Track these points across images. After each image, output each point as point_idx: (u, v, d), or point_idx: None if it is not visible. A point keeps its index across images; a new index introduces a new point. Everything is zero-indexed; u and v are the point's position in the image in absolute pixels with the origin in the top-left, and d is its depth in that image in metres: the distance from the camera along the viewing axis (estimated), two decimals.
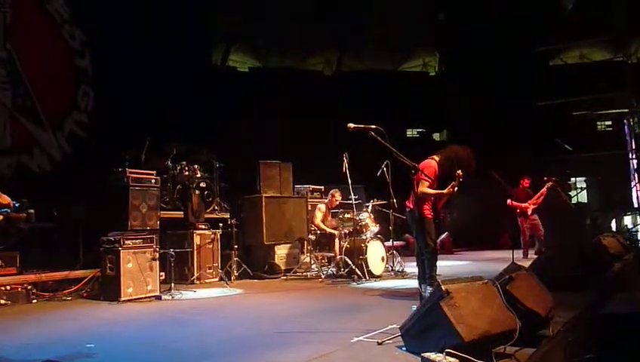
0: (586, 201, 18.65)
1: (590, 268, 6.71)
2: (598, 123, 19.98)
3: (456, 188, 5.90)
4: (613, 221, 16.84)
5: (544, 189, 11.68)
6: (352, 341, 4.55)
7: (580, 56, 19.65)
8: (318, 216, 10.29)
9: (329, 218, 10.36)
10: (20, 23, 10.14)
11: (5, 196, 3.96)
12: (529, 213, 11.69)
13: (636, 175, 16.45)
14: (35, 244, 8.35)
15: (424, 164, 6.13)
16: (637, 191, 16.27)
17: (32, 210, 3.86)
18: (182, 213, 9.66)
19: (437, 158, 6.22)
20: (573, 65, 19.39)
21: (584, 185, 18.99)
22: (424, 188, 5.97)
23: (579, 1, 15.65)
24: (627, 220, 16.78)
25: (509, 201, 11.73)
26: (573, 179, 18.79)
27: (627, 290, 5.68)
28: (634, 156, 16.55)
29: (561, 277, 6.03)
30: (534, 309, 4.22)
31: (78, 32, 11.27)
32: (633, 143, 16.48)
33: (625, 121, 17.18)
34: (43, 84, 10.40)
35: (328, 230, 10.07)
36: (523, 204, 11.72)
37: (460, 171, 5.76)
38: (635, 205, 16.31)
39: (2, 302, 6.97)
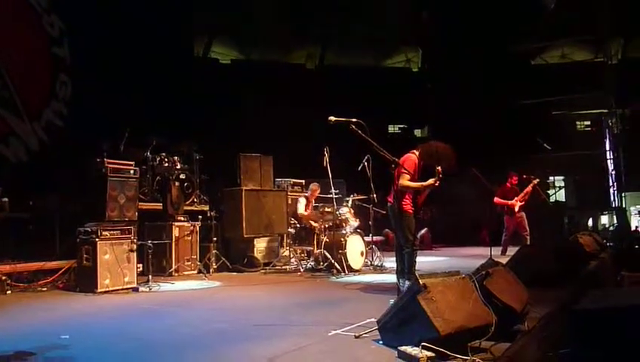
0: (563, 200, 18.85)
1: (566, 265, 6.79)
2: (578, 123, 20.20)
3: (437, 183, 5.93)
4: (590, 219, 17.05)
5: (529, 187, 11.73)
6: (329, 334, 4.56)
7: (562, 56, 19.83)
8: (302, 202, 10.35)
9: (309, 210, 10.36)
10: None
11: None
12: (516, 210, 11.74)
13: (613, 174, 16.68)
14: (11, 234, 8.23)
15: (404, 158, 6.15)
16: (614, 190, 16.49)
17: (5, 199, 3.79)
18: (161, 204, 9.59)
19: (417, 153, 6.24)
20: (554, 64, 19.56)
21: (562, 184, 19.19)
22: (404, 180, 5.98)
23: (560, 1, 15.75)
24: (604, 219, 17.01)
25: (495, 199, 11.75)
26: (551, 178, 18.96)
27: (602, 287, 5.75)
28: (611, 156, 16.77)
29: (537, 274, 6.09)
30: (510, 304, 4.25)
31: (57, 21, 11.10)
32: (611, 143, 16.70)
33: (603, 120, 17.40)
34: (20, 73, 10.21)
35: (306, 212, 10.12)
36: (510, 202, 11.75)
37: (439, 168, 5.80)
38: (612, 204, 16.53)
39: None
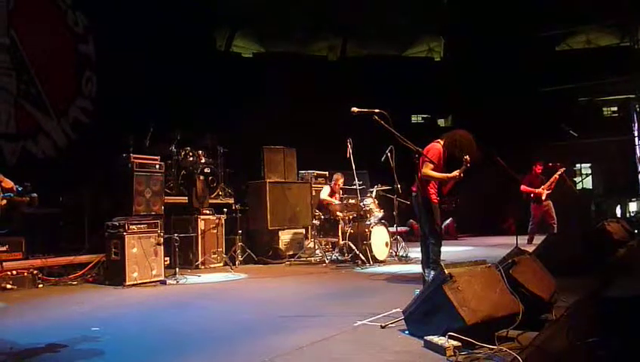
0: (590, 187, 18.58)
1: (594, 253, 6.71)
2: (604, 108, 19.83)
3: (462, 175, 5.88)
4: (618, 207, 16.77)
5: (556, 175, 11.62)
6: (355, 324, 4.58)
7: (587, 42, 19.47)
8: (326, 189, 10.39)
9: (335, 200, 10.35)
10: (23, 9, 10.11)
11: (8, 180, 3.96)
12: (543, 198, 11.65)
13: None
14: (41, 230, 8.40)
15: (429, 148, 6.09)
16: None
17: (35, 194, 3.87)
18: (186, 198, 9.68)
19: (442, 142, 6.17)
20: (579, 50, 19.22)
21: (589, 171, 18.90)
22: (427, 170, 5.93)
23: None
24: (632, 206, 16.72)
25: (522, 187, 11.66)
26: (578, 165, 18.70)
27: (630, 275, 5.69)
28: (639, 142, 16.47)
29: (564, 262, 6.03)
30: (537, 293, 4.22)
31: (81, 18, 11.24)
32: (638, 128, 16.39)
33: (631, 106, 17.08)
34: (47, 70, 10.39)
35: (335, 202, 10.11)
36: (537, 190, 11.67)
37: (467, 157, 5.73)
38: None
39: (8, 286, 7.03)
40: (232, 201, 10.38)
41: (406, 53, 20.47)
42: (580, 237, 7.35)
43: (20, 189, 4.05)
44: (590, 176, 18.73)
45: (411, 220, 13.70)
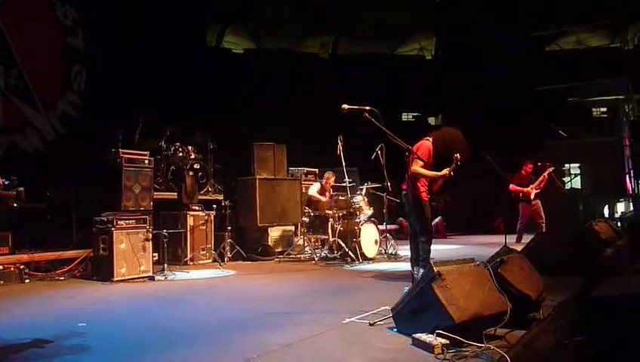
0: (579, 187, 18.69)
1: (582, 252, 6.75)
2: (594, 109, 19.93)
3: (452, 173, 5.88)
4: (606, 207, 16.89)
5: (545, 175, 11.68)
6: (343, 322, 4.57)
7: (577, 42, 19.55)
8: (316, 185, 10.42)
9: (326, 198, 10.34)
10: (12, 1, 10.00)
11: None
12: (532, 197, 11.71)
13: (630, 161, 16.49)
14: (28, 224, 8.34)
15: (419, 145, 6.05)
16: (630, 177, 16.31)
17: (21, 188, 3.83)
18: (175, 194, 9.64)
19: (431, 139, 6.15)
20: (570, 50, 19.31)
21: (578, 171, 19.01)
22: (417, 167, 5.91)
23: None
24: (620, 206, 16.83)
25: (511, 186, 11.70)
26: (567, 165, 18.80)
27: (618, 274, 5.72)
28: (628, 143, 16.58)
29: (552, 261, 6.06)
30: (525, 292, 4.24)
31: (70, 10, 11.14)
32: (627, 130, 16.51)
33: (620, 107, 17.19)
34: (35, 64, 10.29)
35: (323, 199, 10.10)
36: (526, 189, 11.73)
37: (458, 155, 5.72)
38: (629, 191, 16.36)
39: None
40: (222, 198, 10.35)
41: (397, 52, 20.47)
42: (569, 237, 7.39)
43: (6, 183, 4.01)
44: (579, 176, 18.84)
45: (400, 218, 13.71)
